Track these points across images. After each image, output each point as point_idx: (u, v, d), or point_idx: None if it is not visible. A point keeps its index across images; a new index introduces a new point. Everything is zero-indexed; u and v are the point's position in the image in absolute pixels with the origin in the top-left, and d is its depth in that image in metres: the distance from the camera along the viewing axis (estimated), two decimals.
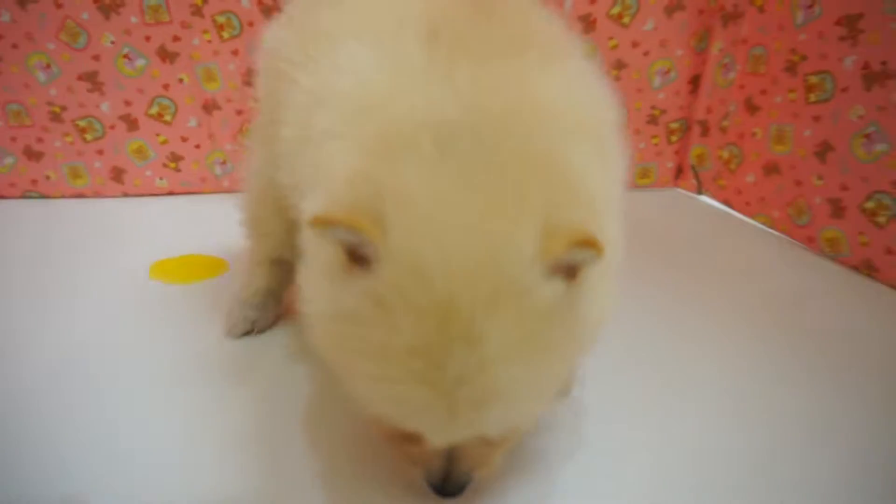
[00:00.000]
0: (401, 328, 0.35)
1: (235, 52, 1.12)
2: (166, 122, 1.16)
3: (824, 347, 0.69)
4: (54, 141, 1.14)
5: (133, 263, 0.91)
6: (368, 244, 0.35)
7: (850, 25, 0.85)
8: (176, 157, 1.19)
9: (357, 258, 0.37)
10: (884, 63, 0.81)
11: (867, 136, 0.84)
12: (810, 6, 0.91)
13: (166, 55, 1.11)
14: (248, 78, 1.13)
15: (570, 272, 0.38)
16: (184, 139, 1.18)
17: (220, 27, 1.10)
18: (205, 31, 1.10)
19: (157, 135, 1.16)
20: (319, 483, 0.50)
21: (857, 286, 0.85)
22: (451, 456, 0.44)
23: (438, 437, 0.41)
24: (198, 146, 1.19)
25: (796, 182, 0.96)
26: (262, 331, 0.71)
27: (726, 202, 1.14)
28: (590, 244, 0.35)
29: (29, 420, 0.56)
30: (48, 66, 1.09)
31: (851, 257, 0.88)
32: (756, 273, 0.91)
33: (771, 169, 1.01)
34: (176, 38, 1.10)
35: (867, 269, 0.86)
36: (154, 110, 1.15)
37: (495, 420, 0.39)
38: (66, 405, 0.58)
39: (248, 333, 0.70)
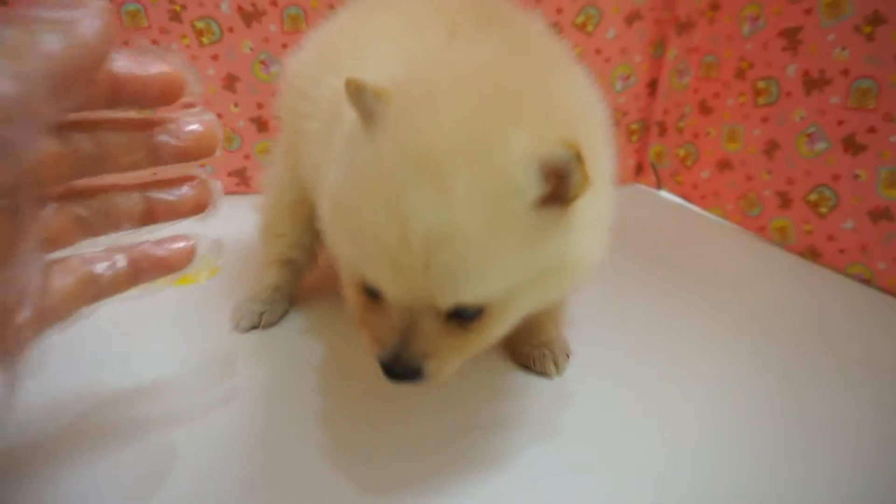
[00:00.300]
0: (385, 168, 0.40)
1: (215, 58, 1.13)
2: None
3: (773, 323, 0.78)
4: None
5: None
6: (384, 107, 0.41)
7: (791, 37, 0.95)
8: None
9: (372, 121, 0.42)
10: (821, 71, 0.91)
11: (809, 135, 0.94)
12: (755, 19, 1.01)
13: None
14: (227, 83, 1.15)
15: (560, 197, 0.41)
16: None
17: (200, 32, 1.11)
18: (183, 36, 1.11)
19: None
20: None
21: (803, 270, 0.95)
22: (406, 334, 0.44)
23: (393, 286, 0.42)
24: None
25: (747, 177, 1.06)
26: (268, 325, 0.73)
27: (684, 196, 1.23)
28: (576, 151, 0.38)
29: (32, 418, 0.55)
30: None
31: (798, 244, 0.99)
32: (712, 260, 0.99)
33: (724, 165, 1.11)
34: (154, 43, 1.10)
35: (811, 254, 0.97)
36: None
37: (450, 284, 0.40)
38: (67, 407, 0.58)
39: (254, 327, 0.72)
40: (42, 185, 0.34)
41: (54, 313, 0.37)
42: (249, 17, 1.10)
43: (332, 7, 1.08)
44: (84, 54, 0.31)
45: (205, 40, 1.11)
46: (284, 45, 1.12)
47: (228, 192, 1.18)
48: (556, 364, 0.65)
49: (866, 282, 0.89)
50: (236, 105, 1.17)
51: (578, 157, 0.39)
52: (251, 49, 1.12)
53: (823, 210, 0.94)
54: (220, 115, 1.15)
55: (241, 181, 1.22)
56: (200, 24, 1.10)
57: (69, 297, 0.38)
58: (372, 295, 0.46)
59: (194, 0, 1.08)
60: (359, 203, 0.42)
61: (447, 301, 0.42)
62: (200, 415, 0.57)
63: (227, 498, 0.47)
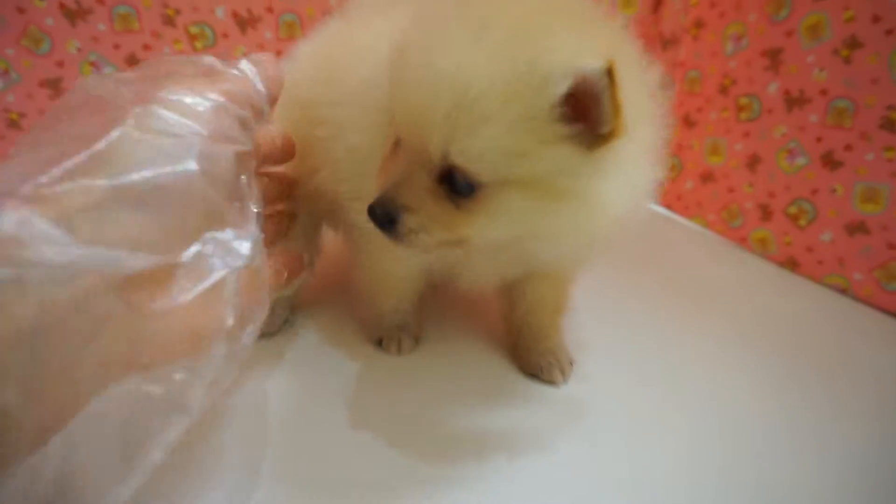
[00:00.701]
0: (444, 8, 0.44)
1: None
2: None
3: (755, 331, 0.82)
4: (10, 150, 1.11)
5: None
6: None
7: (773, 57, 0.99)
8: None
9: None
10: (801, 90, 0.95)
11: (789, 150, 0.99)
12: (739, 38, 1.05)
13: (135, 63, 1.10)
14: None
15: (592, 127, 0.41)
16: None
17: (193, 37, 1.11)
18: (176, 41, 1.11)
19: None
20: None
21: (783, 280, 0.99)
22: (399, 182, 0.46)
23: (403, 121, 0.45)
24: None
25: (729, 189, 1.10)
26: (268, 334, 0.73)
27: (668, 206, 1.27)
28: (612, 67, 0.38)
29: None
30: (6, 71, 1.06)
31: (778, 255, 1.03)
32: (695, 269, 1.03)
33: (707, 177, 1.15)
34: (146, 47, 1.10)
35: (791, 264, 1.01)
36: None
37: (446, 128, 0.42)
38: None
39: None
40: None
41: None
42: (244, 22, 1.10)
43: (327, 14, 1.11)
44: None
45: (198, 45, 1.11)
46: (279, 52, 1.13)
47: None
48: (562, 372, 0.68)
49: (843, 292, 0.93)
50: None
51: (611, 76, 0.38)
52: (245, 55, 1.12)
53: (802, 222, 0.98)
54: None
55: None
56: (194, 29, 1.10)
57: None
58: (396, 147, 0.49)
59: (189, 4, 1.08)
60: (405, 44, 0.45)
61: (439, 147, 0.43)
62: (202, 422, 0.56)
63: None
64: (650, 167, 0.51)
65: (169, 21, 1.08)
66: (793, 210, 0.99)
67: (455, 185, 0.45)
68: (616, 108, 0.40)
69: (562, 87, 0.40)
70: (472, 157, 0.42)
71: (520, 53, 0.40)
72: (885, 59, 0.83)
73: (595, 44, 0.42)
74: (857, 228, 0.90)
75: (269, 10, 1.10)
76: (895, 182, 0.84)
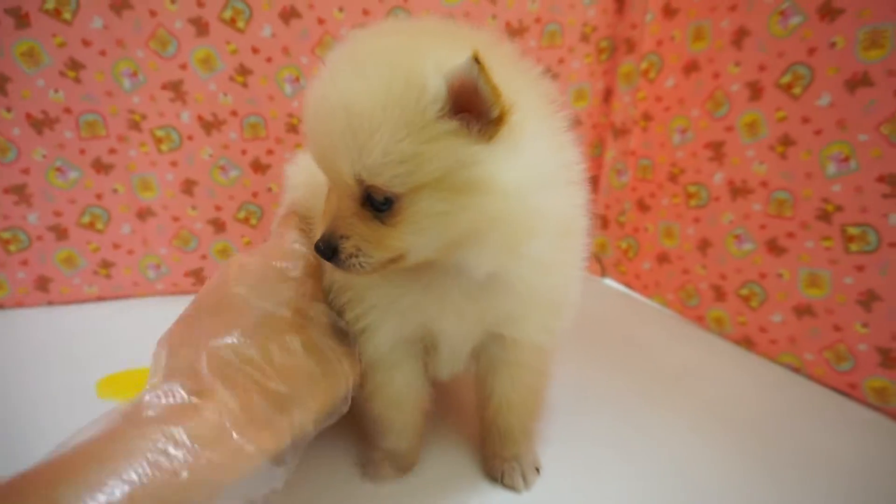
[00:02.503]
0: (327, 67, 0.51)
1: (174, 164, 1.15)
2: (98, 231, 1.15)
3: (715, 411, 0.86)
4: None
5: (77, 382, 0.88)
6: None
7: (716, 149, 1.06)
8: (107, 264, 1.17)
9: None
10: (744, 181, 1.02)
11: (737, 236, 1.04)
12: (684, 131, 1.12)
13: (101, 167, 1.11)
14: (185, 187, 1.16)
15: (482, 116, 0.46)
16: (116, 246, 1.17)
17: (159, 140, 1.12)
18: (142, 144, 1.12)
19: (88, 243, 1.15)
20: None
21: (740, 358, 1.04)
22: (334, 216, 0.51)
23: (316, 156, 0.51)
24: (131, 252, 1.19)
25: (684, 270, 1.16)
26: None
27: (627, 285, 1.32)
28: (479, 59, 0.43)
29: None
30: None
31: (734, 333, 1.07)
32: (654, 347, 1.07)
33: (663, 258, 1.21)
34: (111, 152, 1.11)
35: (746, 343, 1.05)
36: (86, 219, 1.14)
37: (351, 150, 0.46)
38: None
39: None
40: None
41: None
42: (209, 125, 1.13)
43: (291, 116, 1.14)
44: None
45: (164, 147, 1.13)
46: (244, 152, 1.16)
47: (185, 292, 1.25)
48: (524, 478, 0.69)
49: (797, 370, 0.98)
50: (194, 208, 1.18)
51: (482, 67, 0.43)
52: (210, 155, 1.15)
53: (754, 304, 1.03)
54: (177, 219, 1.21)
55: (198, 281, 1.23)
56: (160, 133, 1.12)
57: None
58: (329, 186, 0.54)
59: (154, 110, 1.10)
60: (312, 87, 0.51)
61: (349, 170, 0.47)
62: None
63: None
64: (554, 150, 0.54)
65: (135, 126, 1.10)
66: (744, 292, 1.04)
67: (374, 203, 0.49)
68: (495, 91, 0.45)
69: (439, 88, 0.45)
70: (374, 171, 0.47)
71: (395, 71, 0.46)
72: (816, 155, 0.90)
73: (464, 51, 0.45)
74: (804, 311, 0.95)
75: (234, 113, 1.13)
76: (836, 268, 0.90)
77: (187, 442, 0.42)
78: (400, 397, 0.67)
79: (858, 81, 0.83)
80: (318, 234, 0.53)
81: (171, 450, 0.41)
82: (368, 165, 0.46)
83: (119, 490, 0.37)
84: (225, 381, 0.48)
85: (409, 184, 0.47)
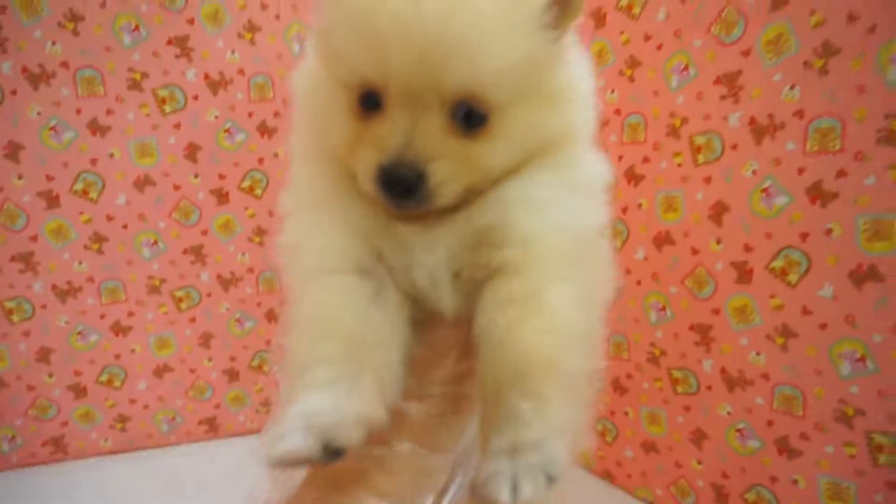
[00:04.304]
0: None
1: (177, 126, 1.12)
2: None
3: None
4: None
5: None
6: None
7: (703, 334, 0.95)
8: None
9: None
10: (741, 370, 0.90)
11: (739, 430, 0.92)
12: (661, 309, 1.01)
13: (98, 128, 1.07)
14: (189, 152, 1.14)
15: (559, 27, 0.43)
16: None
17: (163, 101, 1.09)
18: (143, 105, 1.08)
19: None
20: None
21: None
22: (409, 132, 0.41)
23: (402, 63, 0.40)
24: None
25: (676, 465, 1.01)
26: None
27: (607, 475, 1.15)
28: None
29: None
30: None
31: None
32: None
33: (650, 447, 1.06)
34: (108, 113, 1.07)
35: None
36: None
37: (465, 52, 0.39)
38: None
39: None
40: None
41: None
42: (216, 84, 1.11)
43: None
44: None
45: (167, 108, 1.09)
46: (251, 114, 1.15)
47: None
48: (516, 486, 0.37)
49: None
50: (197, 176, 1.14)
51: None
52: (216, 117, 1.13)
53: None
54: (178, 187, 1.13)
55: (211, 429, 1.26)
56: (163, 92, 1.09)
57: None
58: (369, 106, 0.43)
59: (158, 68, 1.07)
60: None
61: (459, 74, 0.40)
62: None
63: None
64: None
65: (135, 85, 1.07)
66: (751, 496, 0.90)
67: (471, 118, 0.42)
68: (581, 2, 0.42)
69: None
70: (488, 79, 0.41)
71: None
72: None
73: None
74: None
75: (241, 72, 1.12)
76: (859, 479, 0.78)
77: None
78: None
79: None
80: (373, 159, 0.42)
81: None
82: (484, 72, 0.40)
83: None
84: None
85: (517, 92, 0.42)
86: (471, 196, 0.44)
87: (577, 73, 0.47)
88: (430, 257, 0.46)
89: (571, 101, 0.47)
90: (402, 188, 0.41)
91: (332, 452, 0.37)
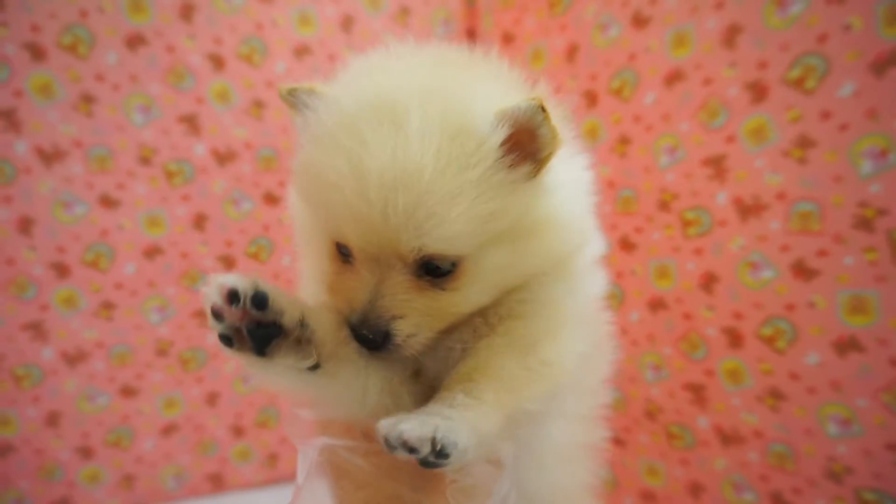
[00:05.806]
0: (344, 117, 0.42)
1: (185, 198, 1.16)
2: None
3: None
4: None
5: None
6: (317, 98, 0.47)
7: (697, 392, 1.02)
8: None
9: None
10: (735, 428, 0.97)
11: (734, 484, 0.98)
12: (657, 368, 1.08)
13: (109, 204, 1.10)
14: (197, 221, 1.17)
15: (533, 155, 0.43)
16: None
17: (171, 175, 1.13)
18: (153, 178, 1.12)
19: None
20: None
21: None
22: (375, 291, 0.43)
23: (356, 235, 0.42)
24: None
25: None
26: None
27: None
28: (541, 103, 0.41)
29: None
30: None
31: None
32: None
33: (648, 497, 1.11)
34: (119, 187, 1.10)
35: None
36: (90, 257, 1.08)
37: (412, 226, 0.40)
38: None
39: None
40: None
41: None
42: (223, 158, 1.15)
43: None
44: None
45: (176, 181, 1.13)
46: (257, 185, 1.20)
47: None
48: (420, 427, 0.40)
49: None
50: (204, 244, 1.18)
51: (544, 109, 0.41)
52: (223, 188, 1.18)
53: None
54: (186, 255, 1.16)
55: (216, 484, 1.27)
56: (172, 166, 1.13)
57: None
58: (344, 256, 0.46)
59: (167, 144, 1.10)
60: (321, 157, 0.43)
61: (411, 244, 0.41)
62: None
63: None
64: (579, 169, 0.51)
65: (145, 161, 1.10)
66: None
67: (437, 271, 0.44)
68: (553, 133, 0.43)
69: (501, 134, 0.42)
70: (445, 238, 0.41)
71: (445, 121, 0.41)
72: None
73: (497, 86, 0.45)
74: None
75: (248, 146, 1.17)
76: None
77: None
78: None
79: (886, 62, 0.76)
80: (344, 311, 0.45)
81: None
82: (438, 238, 0.41)
83: None
84: None
85: (479, 243, 0.43)
86: (445, 334, 0.46)
87: (559, 199, 0.46)
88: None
89: (553, 229, 0.46)
90: (368, 345, 0.43)
91: (259, 293, 0.43)
